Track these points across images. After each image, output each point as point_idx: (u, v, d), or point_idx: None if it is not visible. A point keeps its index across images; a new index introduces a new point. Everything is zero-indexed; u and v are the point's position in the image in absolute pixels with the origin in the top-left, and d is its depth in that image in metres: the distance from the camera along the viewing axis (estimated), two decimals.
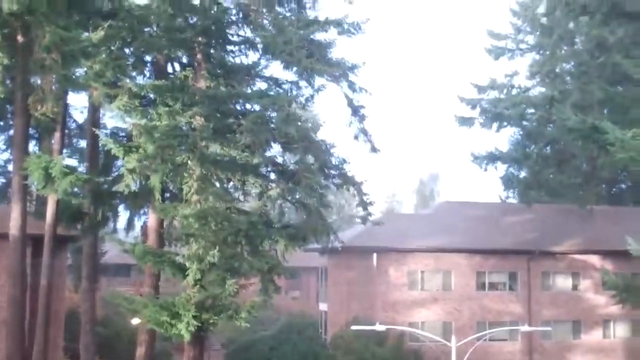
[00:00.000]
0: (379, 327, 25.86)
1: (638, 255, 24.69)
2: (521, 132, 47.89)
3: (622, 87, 33.13)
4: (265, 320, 39.97)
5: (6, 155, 25.62)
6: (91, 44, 20.44)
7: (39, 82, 21.89)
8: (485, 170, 46.35)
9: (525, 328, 31.77)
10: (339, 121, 27.76)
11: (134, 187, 21.97)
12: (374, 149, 27.05)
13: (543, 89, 45.64)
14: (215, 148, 22.93)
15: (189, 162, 22.52)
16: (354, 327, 28.70)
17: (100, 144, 24.93)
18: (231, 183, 24.62)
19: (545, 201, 45.93)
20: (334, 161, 26.23)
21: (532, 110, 44.82)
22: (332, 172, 26.52)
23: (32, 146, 26.34)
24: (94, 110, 26.80)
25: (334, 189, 28.36)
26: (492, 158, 46.04)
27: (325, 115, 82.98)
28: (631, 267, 32.19)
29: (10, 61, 20.52)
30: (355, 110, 26.67)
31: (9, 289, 23.34)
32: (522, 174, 48.20)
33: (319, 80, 25.43)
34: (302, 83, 25.63)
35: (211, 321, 23.27)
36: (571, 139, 31.61)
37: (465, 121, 45.78)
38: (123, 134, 24.73)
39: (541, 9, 46.37)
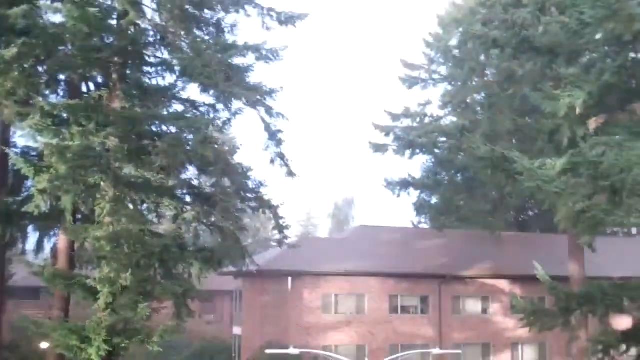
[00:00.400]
0: (293, 351, 25.58)
1: (545, 280, 25.09)
2: (433, 160, 48.52)
3: (530, 119, 33.85)
4: (178, 345, 39.14)
5: None
6: (3, 61, 19.74)
7: None
8: (398, 196, 46.76)
9: (436, 351, 31.90)
10: (256, 145, 27.59)
11: (44, 208, 21.18)
12: (290, 173, 26.91)
13: (454, 119, 46.35)
14: (129, 169, 22.38)
15: (102, 183, 21.87)
16: (268, 351, 28.34)
17: (10, 163, 24.06)
18: (145, 205, 24.06)
19: (456, 227, 46.53)
20: (250, 184, 26.00)
21: (443, 139, 45.47)
22: (249, 195, 26.27)
23: None
24: (3, 129, 25.86)
25: (250, 212, 28.08)
26: (405, 184, 46.46)
27: (243, 139, 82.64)
28: (538, 292, 32.77)
29: None
30: (272, 135, 26.51)
31: None
32: (434, 200, 48.76)
33: (236, 104, 25.22)
34: (220, 106, 25.37)
35: (122, 345, 22.59)
36: (481, 167, 32.08)
37: (379, 148, 46.12)
38: (34, 153, 23.92)
39: (453, 42, 47.25)
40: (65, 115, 21.88)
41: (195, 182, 25.65)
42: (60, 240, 24.71)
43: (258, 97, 25.27)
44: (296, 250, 30.29)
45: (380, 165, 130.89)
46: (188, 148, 23.43)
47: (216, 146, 24.52)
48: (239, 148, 26.12)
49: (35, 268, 22.83)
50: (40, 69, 22.42)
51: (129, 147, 22.47)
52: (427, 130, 45.65)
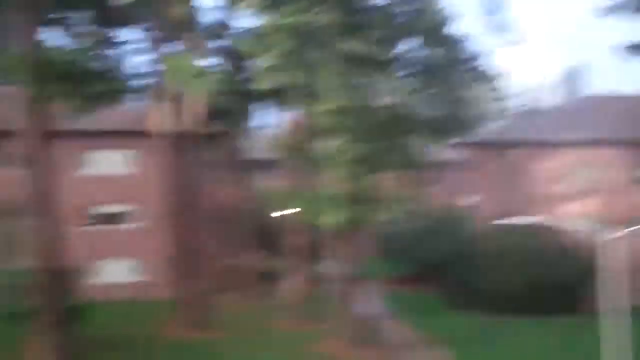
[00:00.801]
0: (524, 221, 25.19)
1: None
2: None
3: None
4: (410, 215, 39.94)
5: (144, 57, 26.27)
6: None
7: None
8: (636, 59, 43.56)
9: None
10: (474, 12, 26.60)
11: (271, 85, 22.03)
12: (512, 41, 25.92)
13: None
14: (348, 44, 22.54)
15: (323, 58, 22.27)
16: (498, 221, 28.14)
17: (235, 44, 25.07)
18: (367, 79, 24.22)
19: None
20: (469, 54, 25.36)
21: None
22: (468, 65, 25.67)
23: (169, 48, 26.48)
24: (227, 10, 26.78)
25: (471, 82, 27.41)
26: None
27: (460, 7, 79.74)
28: None
29: None
30: (492, 1, 25.49)
31: (160, 185, 24.39)
32: None
33: None
34: None
35: (358, 214, 23.40)
36: None
37: (615, 9, 42.83)
38: (257, 33, 24.69)
39: None
40: None
41: (413, 54, 25.38)
42: (288, 115, 25.75)
43: None
44: (525, 120, 29.42)
45: (611, 29, 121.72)
46: (403, 20, 23.15)
47: (432, 16, 24.00)
48: (456, 17, 25.28)
49: (267, 142, 23.99)
50: None
51: (345, 22, 22.59)
52: None
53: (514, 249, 33.11)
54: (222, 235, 31.47)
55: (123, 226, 34.59)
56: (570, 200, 37.29)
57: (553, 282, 31.70)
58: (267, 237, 34.09)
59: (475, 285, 32.04)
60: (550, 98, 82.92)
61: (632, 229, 27.81)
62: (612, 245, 22.33)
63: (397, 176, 25.00)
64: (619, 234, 25.19)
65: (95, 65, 22.79)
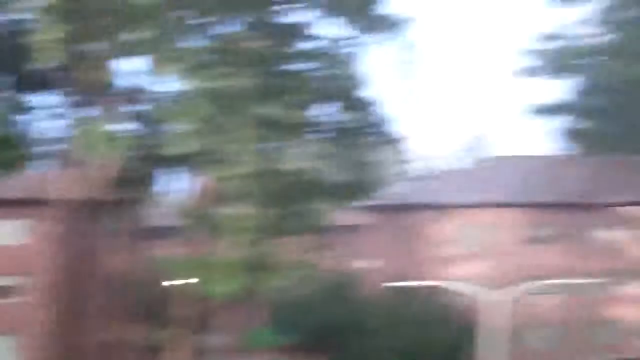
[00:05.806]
0: (420, 284, 26.73)
1: None
2: (585, 83, 47.95)
3: None
4: (307, 279, 41.11)
5: (56, 122, 27.15)
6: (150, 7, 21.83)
7: (91, 49, 23.35)
8: (545, 121, 46.83)
9: (570, 281, 32.20)
10: (387, 77, 28.54)
11: (184, 150, 23.31)
12: (420, 105, 27.89)
13: (610, 36, 45.50)
14: (264, 109, 24.08)
15: (238, 123, 23.75)
16: (392, 284, 29.49)
17: (151, 109, 26.20)
18: (278, 143, 25.72)
19: (600, 153, 46.02)
20: (377, 118, 27.11)
21: (596, 60, 44.92)
22: (375, 129, 27.41)
23: (80, 113, 27.38)
24: (147, 75, 28.09)
25: (377, 146, 29.06)
26: (553, 109, 46.41)
27: (373, 72, 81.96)
28: None
29: (68, 30, 22.04)
30: (405, 65, 27.42)
31: (54, 253, 25.06)
32: (582, 125, 48.27)
33: (368, 37, 26.30)
34: (352, 39, 26.46)
35: (257, 280, 24.93)
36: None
37: (528, 71, 46.20)
38: (175, 97, 25.93)
39: None
40: (206, 58, 23.76)
41: (324, 118, 27.04)
42: (197, 180, 26.96)
43: (389, 28, 26.22)
44: (425, 182, 30.99)
45: (516, 91, 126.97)
46: (318, 84, 24.93)
47: (346, 80, 25.74)
48: (368, 81, 27.11)
49: (172, 207, 25.10)
50: (182, 15, 24.20)
51: (263, 86, 24.23)
52: (580, 51, 45.08)
53: (398, 314, 34.85)
54: (110, 307, 31.96)
55: (9, 300, 34.19)
56: (461, 262, 39.65)
57: (436, 345, 33.67)
58: (156, 307, 34.55)
59: (363, 351, 33.49)
60: (456, 161, 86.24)
61: (526, 288, 30.06)
62: (495, 306, 24.36)
63: (298, 241, 26.46)
64: (503, 295, 27.29)
65: (5, 131, 23.57)
